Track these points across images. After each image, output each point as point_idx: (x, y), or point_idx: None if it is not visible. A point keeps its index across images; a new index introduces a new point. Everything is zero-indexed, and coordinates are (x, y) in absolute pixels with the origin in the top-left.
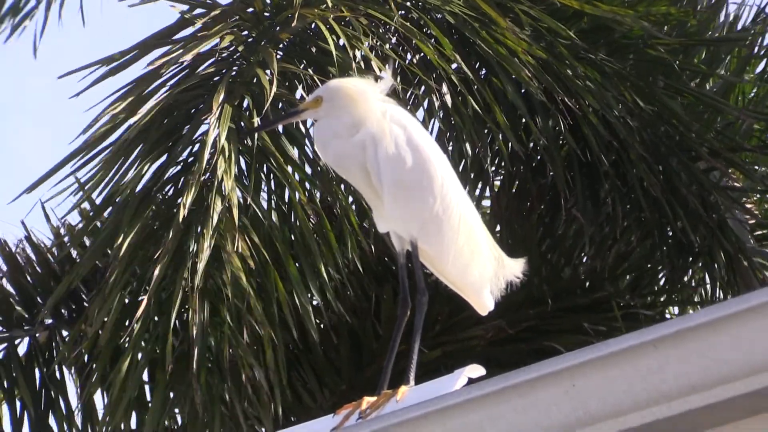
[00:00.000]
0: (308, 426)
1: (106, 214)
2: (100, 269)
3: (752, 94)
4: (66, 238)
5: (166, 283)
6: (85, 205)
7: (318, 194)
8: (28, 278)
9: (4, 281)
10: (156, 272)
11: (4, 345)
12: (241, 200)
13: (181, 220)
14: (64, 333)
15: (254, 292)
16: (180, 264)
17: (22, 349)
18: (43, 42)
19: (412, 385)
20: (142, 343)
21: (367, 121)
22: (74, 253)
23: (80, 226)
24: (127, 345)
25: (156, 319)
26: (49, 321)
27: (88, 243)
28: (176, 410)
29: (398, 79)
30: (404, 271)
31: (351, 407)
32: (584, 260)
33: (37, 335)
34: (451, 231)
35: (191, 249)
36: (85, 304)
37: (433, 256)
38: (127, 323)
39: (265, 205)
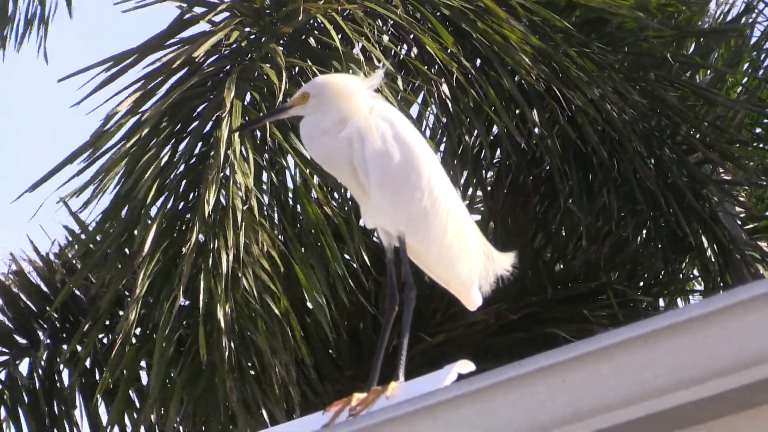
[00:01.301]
0: (299, 422)
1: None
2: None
3: (741, 88)
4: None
5: (189, 281)
6: (90, 207)
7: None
8: (24, 299)
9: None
10: (184, 270)
11: (5, 366)
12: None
13: (206, 216)
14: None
15: (277, 289)
16: (203, 263)
17: (23, 369)
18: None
19: (402, 381)
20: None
21: (353, 116)
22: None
23: (85, 234)
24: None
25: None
26: (47, 341)
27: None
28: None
29: (397, 71)
30: (392, 267)
31: (341, 404)
32: (579, 253)
33: (37, 354)
34: (438, 226)
35: (212, 247)
36: (82, 320)
37: (421, 252)
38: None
39: (266, 200)
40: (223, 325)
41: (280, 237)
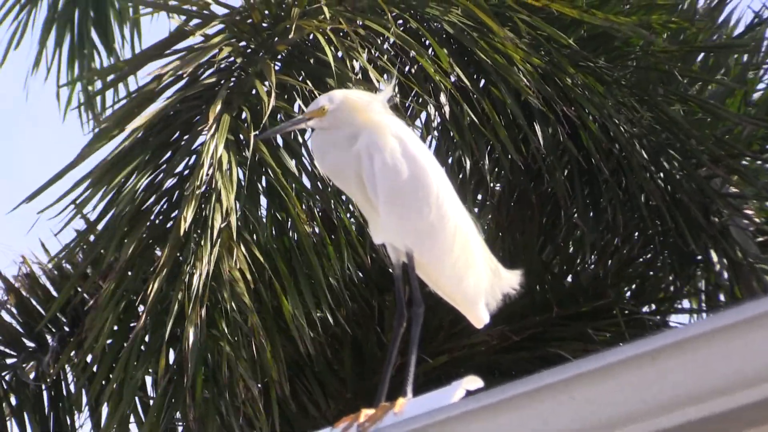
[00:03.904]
0: None
1: (100, 227)
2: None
3: (751, 100)
4: (64, 261)
5: (162, 296)
6: (80, 222)
7: (317, 205)
8: (32, 302)
9: (8, 306)
10: (155, 285)
11: (12, 369)
12: (238, 212)
13: (181, 233)
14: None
15: (253, 304)
16: (177, 277)
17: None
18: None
19: (410, 398)
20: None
21: (365, 132)
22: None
23: (83, 244)
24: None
25: (147, 333)
26: (53, 344)
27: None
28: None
29: (396, 89)
30: (400, 283)
31: (349, 420)
32: (586, 267)
33: (43, 359)
34: (446, 242)
35: (189, 262)
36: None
37: (429, 267)
38: (126, 336)
39: (261, 216)
40: (191, 342)
41: (265, 254)
